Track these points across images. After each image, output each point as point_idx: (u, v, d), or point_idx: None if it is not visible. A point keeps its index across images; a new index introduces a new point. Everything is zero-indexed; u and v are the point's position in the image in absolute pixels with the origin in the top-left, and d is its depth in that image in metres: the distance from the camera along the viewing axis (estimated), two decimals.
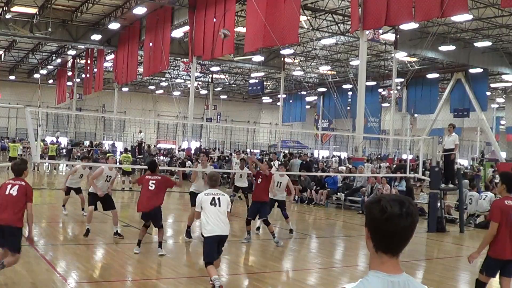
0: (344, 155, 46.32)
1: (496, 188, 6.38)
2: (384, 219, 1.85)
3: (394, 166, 21.81)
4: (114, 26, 32.77)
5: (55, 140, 39.20)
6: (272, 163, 23.07)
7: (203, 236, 6.63)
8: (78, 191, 12.82)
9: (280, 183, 11.68)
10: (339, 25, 30.70)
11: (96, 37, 35.11)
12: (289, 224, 11.91)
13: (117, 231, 10.29)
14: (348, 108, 40.44)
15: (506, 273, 5.83)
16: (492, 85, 42.41)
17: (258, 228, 12.32)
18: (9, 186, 6.21)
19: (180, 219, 12.89)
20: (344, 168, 22.78)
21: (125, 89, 53.45)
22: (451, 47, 30.79)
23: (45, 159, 25.70)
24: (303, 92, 48.53)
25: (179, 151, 37.82)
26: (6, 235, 6.03)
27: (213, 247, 6.55)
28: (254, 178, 11.53)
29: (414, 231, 1.91)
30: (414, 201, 16.13)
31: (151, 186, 8.61)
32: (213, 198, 6.66)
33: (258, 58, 36.72)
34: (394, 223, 1.85)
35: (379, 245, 1.90)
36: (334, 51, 38.63)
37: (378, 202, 1.89)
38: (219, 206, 6.64)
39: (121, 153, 37.03)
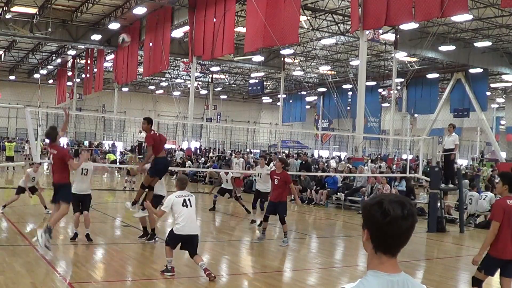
0: (344, 155, 46.29)
1: (496, 188, 6.40)
2: (387, 222, 1.85)
3: (394, 166, 21.78)
4: (114, 26, 32.77)
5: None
6: (272, 163, 23.11)
7: (174, 232, 7.16)
8: (33, 190, 12.42)
9: (260, 174, 12.63)
10: (339, 25, 30.71)
11: (96, 37, 35.12)
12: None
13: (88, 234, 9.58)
14: (348, 108, 40.44)
15: (506, 274, 5.82)
16: (492, 85, 42.42)
17: (253, 221, 12.94)
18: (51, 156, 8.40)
19: None
20: (343, 163, 22.67)
21: (125, 89, 53.44)
22: (451, 47, 30.79)
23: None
24: (303, 92, 48.53)
25: (178, 151, 37.78)
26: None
27: (177, 241, 7.20)
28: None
29: (413, 231, 1.91)
30: (414, 201, 16.14)
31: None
32: (184, 200, 7.15)
33: (258, 58, 36.73)
34: (397, 225, 1.85)
35: (379, 246, 1.89)
36: (334, 51, 38.63)
37: (380, 205, 1.87)
38: (191, 206, 7.17)
39: (121, 153, 37.09)
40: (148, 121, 9.75)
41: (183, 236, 7.12)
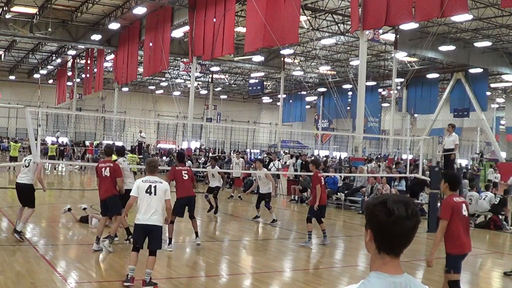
0: (344, 155, 46.29)
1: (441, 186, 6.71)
2: (391, 221, 1.84)
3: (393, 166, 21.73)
4: (114, 26, 32.78)
5: (55, 140, 39.20)
6: (272, 162, 23.11)
7: (135, 222, 6.67)
8: None
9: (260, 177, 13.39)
10: (339, 25, 30.71)
11: (96, 37, 35.13)
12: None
13: (19, 229, 9.33)
14: (348, 108, 40.45)
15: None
16: (492, 85, 42.43)
17: (257, 217, 13.61)
18: (103, 169, 8.68)
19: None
20: (372, 165, 22.55)
21: (125, 89, 53.46)
22: (451, 47, 30.79)
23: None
24: (303, 92, 48.54)
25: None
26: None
27: (139, 235, 6.59)
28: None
29: (417, 231, 1.91)
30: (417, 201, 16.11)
31: (185, 176, 9.41)
32: (150, 186, 6.55)
33: (258, 58, 36.73)
34: (401, 225, 1.84)
35: (383, 246, 1.88)
36: (334, 51, 38.63)
37: (384, 205, 1.87)
38: (155, 194, 6.53)
39: None
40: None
41: (140, 226, 6.51)
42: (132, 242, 6.74)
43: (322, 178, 10.80)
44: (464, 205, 5.94)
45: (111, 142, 44.53)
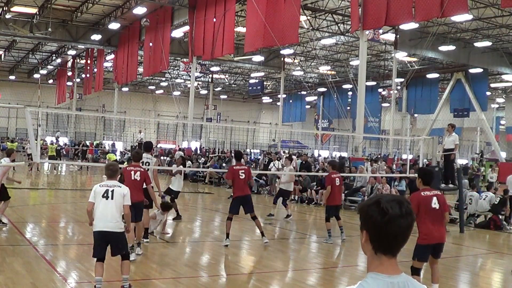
0: (344, 155, 46.30)
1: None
2: (386, 221, 1.84)
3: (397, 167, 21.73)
4: (114, 26, 32.79)
5: (55, 140, 39.24)
6: (272, 162, 23.08)
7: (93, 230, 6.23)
8: None
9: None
10: (339, 25, 30.71)
11: (96, 37, 35.13)
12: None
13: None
14: (348, 108, 40.45)
15: (434, 255, 6.64)
16: (492, 85, 42.44)
17: (271, 215, 14.10)
18: (132, 173, 8.38)
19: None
20: (379, 164, 22.53)
21: (125, 89, 53.47)
22: (451, 47, 30.80)
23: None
24: (303, 92, 48.54)
25: (178, 150, 37.82)
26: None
27: (99, 243, 6.11)
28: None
29: (412, 230, 1.91)
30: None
31: (242, 176, 9.73)
32: (107, 191, 6.12)
33: (258, 58, 36.73)
34: (396, 224, 1.84)
35: (379, 247, 1.88)
36: (334, 51, 38.63)
37: (377, 204, 1.86)
38: (111, 199, 6.08)
39: (121, 153, 37.10)
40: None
41: (98, 233, 6.06)
42: (93, 253, 6.17)
43: (336, 178, 11.00)
44: (435, 198, 6.38)
45: (111, 142, 44.71)
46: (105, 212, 6.03)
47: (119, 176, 6.69)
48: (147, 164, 9.58)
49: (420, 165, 15.19)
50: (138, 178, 8.33)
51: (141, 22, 30.58)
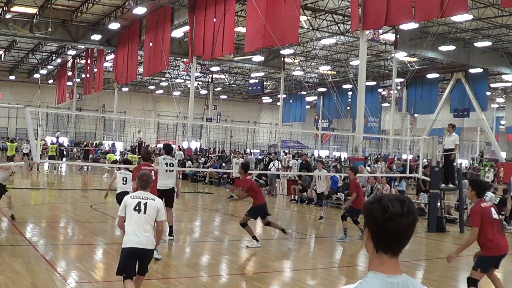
0: (344, 155, 46.31)
1: (467, 194, 6.97)
2: (386, 218, 1.84)
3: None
4: (114, 26, 32.79)
5: (55, 140, 39.22)
6: (272, 162, 23.08)
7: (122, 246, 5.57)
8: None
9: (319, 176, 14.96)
10: (339, 25, 30.71)
11: (96, 37, 35.13)
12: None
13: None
14: (348, 108, 40.45)
15: (496, 265, 6.30)
16: (492, 85, 42.43)
17: (321, 218, 14.49)
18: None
19: (180, 218, 12.89)
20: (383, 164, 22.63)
21: (125, 89, 53.47)
22: (451, 47, 30.79)
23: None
24: (303, 92, 48.54)
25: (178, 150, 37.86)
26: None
27: (128, 260, 5.43)
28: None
29: (414, 230, 1.90)
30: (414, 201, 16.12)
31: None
32: (139, 203, 5.52)
33: (258, 58, 36.73)
34: (396, 222, 1.84)
35: (380, 245, 1.88)
36: (334, 51, 38.63)
37: (379, 202, 1.88)
38: (144, 213, 5.47)
39: (121, 153, 37.09)
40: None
41: (129, 250, 5.39)
42: (120, 270, 5.48)
43: (359, 184, 11.69)
44: (493, 209, 6.13)
45: (111, 142, 44.73)
46: (137, 227, 5.42)
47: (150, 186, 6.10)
48: (171, 165, 10.00)
49: (420, 165, 15.17)
50: (154, 178, 8.52)
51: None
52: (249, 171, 10.85)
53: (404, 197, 1.93)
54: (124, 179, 10.74)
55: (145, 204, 5.52)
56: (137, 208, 5.49)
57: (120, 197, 9.90)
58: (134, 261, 5.48)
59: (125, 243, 5.44)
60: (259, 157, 37.48)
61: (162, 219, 5.67)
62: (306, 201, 19.09)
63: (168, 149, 10.63)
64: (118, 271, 5.47)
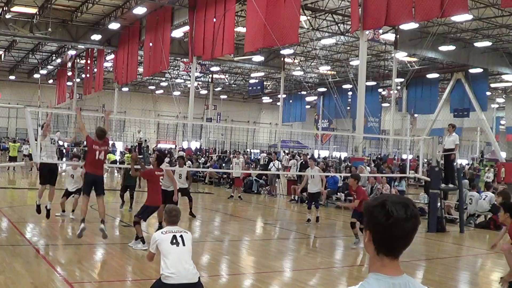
0: (344, 155, 46.32)
1: (499, 216, 6.70)
2: (390, 224, 1.82)
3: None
4: (114, 26, 32.78)
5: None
6: (272, 162, 23.06)
7: (162, 282, 5.03)
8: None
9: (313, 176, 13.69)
10: (339, 25, 30.71)
11: (96, 37, 35.13)
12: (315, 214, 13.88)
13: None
14: (348, 108, 40.45)
15: None
16: (492, 85, 42.43)
17: (309, 220, 13.88)
18: (97, 152, 9.03)
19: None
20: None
21: (125, 89, 53.46)
22: (451, 47, 30.79)
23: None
24: (303, 92, 48.54)
25: (179, 151, 37.84)
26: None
27: None
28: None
29: (416, 233, 1.89)
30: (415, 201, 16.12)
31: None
32: (174, 236, 5.12)
33: (258, 58, 36.73)
34: (400, 227, 1.82)
35: (382, 248, 1.86)
36: (334, 51, 38.63)
37: (383, 206, 1.84)
38: (183, 245, 5.10)
39: (121, 153, 37.08)
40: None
41: (175, 286, 4.92)
42: None
43: (365, 191, 11.61)
44: None
45: (111, 142, 44.69)
46: (181, 261, 4.99)
47: None
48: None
49: (421, 166, 15.17)
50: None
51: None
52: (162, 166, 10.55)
53: (407, 200, 1.90)
54: (72, 176, 12.02)
55: (181, 236, 5.17)
56: (174, 241, 5.10)
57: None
58: None
59: (173, 280, 4.92)
60: (258, 157, 37.49)
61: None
62: (306, 201, 19.06)
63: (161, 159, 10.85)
64: None
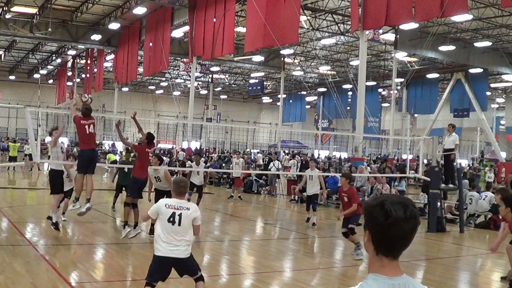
0: (344, 155, 46.30)
1: (500, 210, 6.58)
2: (389, 224, 1.81)
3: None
4: (114, 26, 32.79)
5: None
6: (272, 162, 23.05)
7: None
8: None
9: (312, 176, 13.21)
10: (339, 25, 30.71)
11: (96, 37, 35.13)
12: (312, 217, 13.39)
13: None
14: (348, 108, 40.46)
15: None
16: (492, 85, 42.45)
17: (309, 219, 13.57)
18: (86, 126, 9.08)
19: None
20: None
21: (125, 89, 53.47)
22: (451, 47, 30.80)
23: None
24: (303, 92, 48.56)
25: (179, 151, 37.86)
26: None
27: (158, 269, 5.33)
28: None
29: (416, 233, 1.89)
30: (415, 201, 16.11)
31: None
32: (173, 215, 5.26)
33: (258, 58, 36.74)
34: (399, 227, 1.81)
35: (381, 248, 1.86)
36: (334, 51, 38.64)
37: (382, 206, 1.83)
38: (178, 225, 5.25)
39: (121, 153, 37.08)
40: None
41: (163, 259, 5.24)
42: (147, 276, 5.36)
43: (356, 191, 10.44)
44: None
45: (111, 142, 44.74)
46: (172, 239, 5.25)
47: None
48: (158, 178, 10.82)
49: (421, 166, 15.17)
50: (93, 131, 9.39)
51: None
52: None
53: (407, 200, 1.89)
54: (67, 176, 10.82)
55: (180, 215, 5.29)
56: (171, 220, 5.27)
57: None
58: (163, 270, 5.36)
59: (160, 252, 5.27)
60: (258, 155, 37.49)
61: (198, 224, 5.45)
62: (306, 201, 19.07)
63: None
64: (147, 277, 5.34)
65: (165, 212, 5.29)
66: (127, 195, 10.00)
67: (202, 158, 14.73)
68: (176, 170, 17.97)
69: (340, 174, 12.05)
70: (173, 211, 5.29)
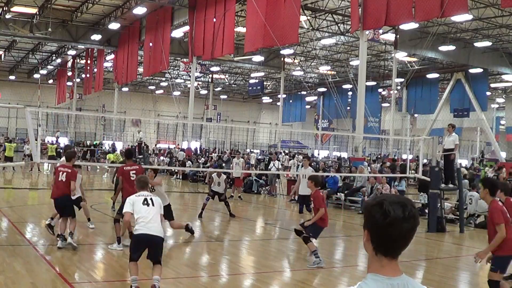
0: (344, 155, 46.30)
1: (480, 193, 6.66)
2: (387, 223, 1.81)
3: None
4: (114, 26, 32.80)
5: (55, 140, 39.21)
6: (272, 162, 23.04)
7: (133, 234, 6.42)
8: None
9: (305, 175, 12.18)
10: (339, 25, 30.72)
11: (96, 37, 35.14)
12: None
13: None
14: (348, 108, 40.47)
15: None
16: (492, 85, 42.46)
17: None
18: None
19: (179, 218, 12.88)
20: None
21: (125, 89, 53.47)
22: (451, 47, 30.80)
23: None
24: (303, 92, 48.57)
25: (178, 151, 37.87)
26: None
27: (138, 246, 6.29)
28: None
29: (415, 233, 1.89)
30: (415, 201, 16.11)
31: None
32: (145, 199, 6.44)
33: (258, 58, 36.74)
34: (397, 227, 1.81)
35: (380, 248, 1.86)
36: (334, 51, 38.64)
37: (380, 205, 1.83)
38: (152, 205, 6.41)
39: (121, 153, 37.11)
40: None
41: (141, 236, 6.20)
42: (130, 253, 6.36)
43: (324, 197, 9.66)
44: (504, 208, 6.02)
45: (111, 142, 44.73)
46: (149, 217, 6.28)
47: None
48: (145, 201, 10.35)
49: (420, 166, 15.16)
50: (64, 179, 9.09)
51: None
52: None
53: (406, 199, 1.89)
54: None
55: (151, 199, 6.47)
56: (145, 203, 6.40)
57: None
58: (143, 247, 6.30)
59: (138, 230, 6.24)
60: (259, 157, 37.49)
61: (162, 213, 6.57)
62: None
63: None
64: (130, 256, 6.29)
65: (138, 200, 6.44)
66: (117, 213, 9.43)
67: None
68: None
69: (340, 174, 11.95)
70: (144, 197, 6.48)
